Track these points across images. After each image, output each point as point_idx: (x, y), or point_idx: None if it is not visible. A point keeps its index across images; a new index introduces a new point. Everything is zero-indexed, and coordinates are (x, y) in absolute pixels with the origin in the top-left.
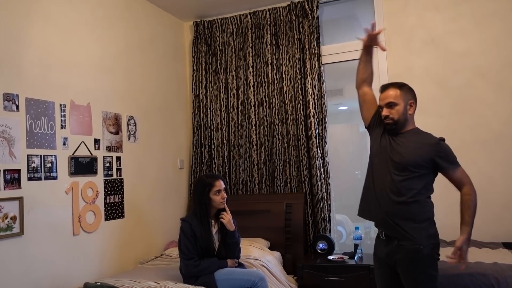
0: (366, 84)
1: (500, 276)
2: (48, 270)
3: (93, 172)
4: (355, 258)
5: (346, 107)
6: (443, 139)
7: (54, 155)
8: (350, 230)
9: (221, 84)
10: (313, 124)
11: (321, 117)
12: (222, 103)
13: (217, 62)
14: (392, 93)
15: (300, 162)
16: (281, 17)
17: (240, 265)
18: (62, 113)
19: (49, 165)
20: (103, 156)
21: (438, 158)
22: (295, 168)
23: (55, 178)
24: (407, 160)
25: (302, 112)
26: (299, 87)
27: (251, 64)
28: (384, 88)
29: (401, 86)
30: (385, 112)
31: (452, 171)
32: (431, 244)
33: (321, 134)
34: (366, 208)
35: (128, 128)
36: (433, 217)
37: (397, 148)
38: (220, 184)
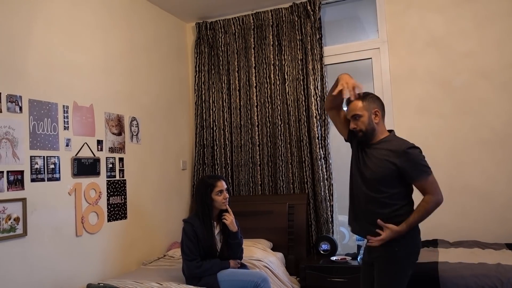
0: (334, 108)
1: (503, 277)
2: (51, 271)
3: (96, 173)
4: (358, 259)
5: None
6: (413, 147)
7: (57, 156)
8: None
9: (223, 85)
10: (315, 125)
11: (323, 118)
12: (224, 104)
13: (219, 63)
14: (356, 105)
15: (303, 163)
16: (283, 18)
17: (243, 266)
18: (65, 114)
19: (52, 166)
20: (106, 157)
21: (404, 168)
22: (298, 169)
23: (58, 179)
24: (374, 174)
25: (304, 113)
26: (302, 88)
27: (254, 65)
28: (348, 101)
29: (364, 96)
30: (352, 125)
31: (417, 181)
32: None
33: (323, 135)
34: (352, 223)
35: (130, 129)
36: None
37: (367, 161)
38: (222, 185)
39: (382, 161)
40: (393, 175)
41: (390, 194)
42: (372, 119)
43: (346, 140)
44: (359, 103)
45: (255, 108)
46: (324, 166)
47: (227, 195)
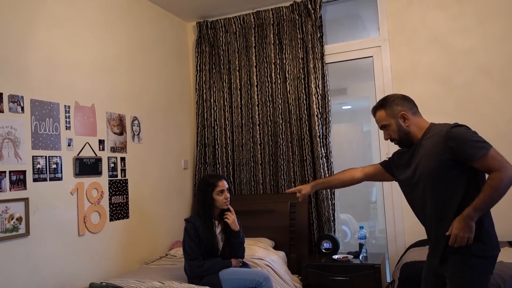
0: (355, 177)
1: (506, 275)
2: (54, 270)
3: (98, 172)
4: (360, 257)
5: (350, 106)
6: (457, 125)
7: (59, 156)
8: (355, 230)
9: (224, 84)
10: (317, 124)
11: (325, 116)
12: (225, 103)
13: (220, 62)
14: (379, 116)
15: (304, 162)
16: (284, 17)
17: (245, 265)
18: (67, 114)
19: (54, 166)
20: (108, 157)
21: (454, 149)
22: (299, 168)
23: (60, 179)
24: (428, 169)
25: (305, 111)
26: (303, 86)
27: (255, 64)
28: (373, 112)
29: (384, 104)
30: (385, 135)
31: (476, 161)
32: None
33: (325, 134)
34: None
35: (132, 128)
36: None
37: (419, 162)
38: (223, 184)
39: (431, 153)
40: (448, 164)
41: (453, 191)
42: (401, 124)
43: (393, 177)
44: (382, 113)
45: (256, 107)
46: (325, 165)
47: (228, 195)
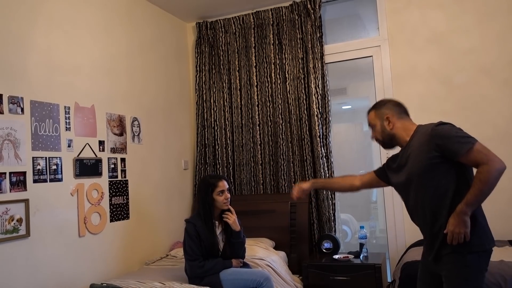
0: (354, 185)
1: (506, 274)
2: (54, 271)
3: (98, 173)
4: (361, 257)
5: (349, 106)
6: (441, 123)
7: (59, 157)
8: (355, 229)
9: (224, 84)
10: (317, 124)
11: (324, 116)
12: (225, 103)
13: (220, 63)
14: (369, 116)
15: (304, 162)
16: (284, 17)
17: (245, 265)
18: (67, 115)
19: (54, 167)
20: (108, 158)
21: (441, 146)
22: (299, 168)
23: (60, 180)
24: (417, 168)
25: (305, 111)
26: (303, 86)
27: (254, 64)
28: (367, 112)
29: (376, 106)
30: (371, 135)
31: (463, 155)
32: None
33: (325, 133)
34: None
35: (132, 129)
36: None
37: (408, 163)
38: (224, 185)
39: (418, 153)
40: (436, 162)
41: (444, 188)
42: (385, 127)
43: (388, 183)
44: (372, 113)
45: (256, 107)
46: (325, 165)
47: (229, 195)
